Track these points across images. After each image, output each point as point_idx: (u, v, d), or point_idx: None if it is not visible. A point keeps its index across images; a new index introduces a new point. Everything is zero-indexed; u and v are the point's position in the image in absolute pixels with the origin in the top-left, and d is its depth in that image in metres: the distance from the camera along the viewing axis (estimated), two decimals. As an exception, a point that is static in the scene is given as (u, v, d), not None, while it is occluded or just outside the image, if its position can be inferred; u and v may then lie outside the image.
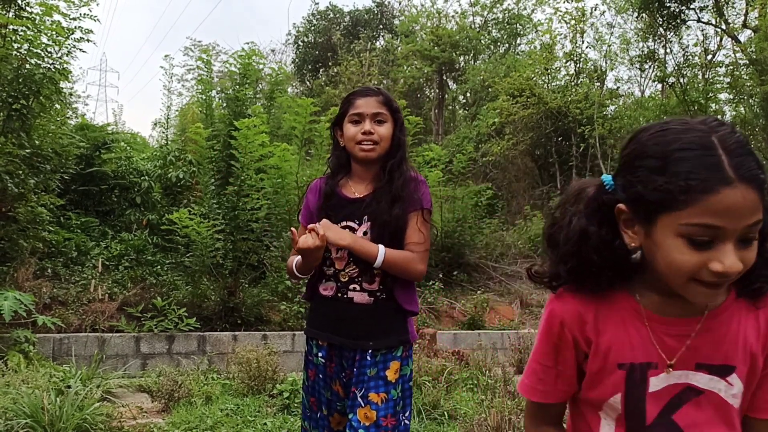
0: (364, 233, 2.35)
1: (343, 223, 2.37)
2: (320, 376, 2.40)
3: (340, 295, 2.37)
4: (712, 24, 14.72)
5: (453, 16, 23.74)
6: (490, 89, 20.15)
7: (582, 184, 1.25)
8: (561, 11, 18.68)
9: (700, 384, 1.17)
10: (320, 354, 2.39)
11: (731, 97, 14.76)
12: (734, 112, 15.03)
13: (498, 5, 23.58)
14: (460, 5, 33.23)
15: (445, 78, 23.24)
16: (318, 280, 2.46)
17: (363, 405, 2.25)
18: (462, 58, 23.24)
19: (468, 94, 23.83)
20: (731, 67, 14.57)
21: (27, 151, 7.81)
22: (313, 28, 26.11)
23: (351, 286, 2.35)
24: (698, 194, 1.02)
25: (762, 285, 1.17)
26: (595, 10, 18.28)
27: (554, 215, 1.25)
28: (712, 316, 1.18)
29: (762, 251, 1.11)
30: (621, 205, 1.15)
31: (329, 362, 2.38)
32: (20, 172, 7.62)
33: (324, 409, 2.42)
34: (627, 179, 1.14)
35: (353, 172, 2.47)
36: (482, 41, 23.37)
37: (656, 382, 1.18)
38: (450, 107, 24.80)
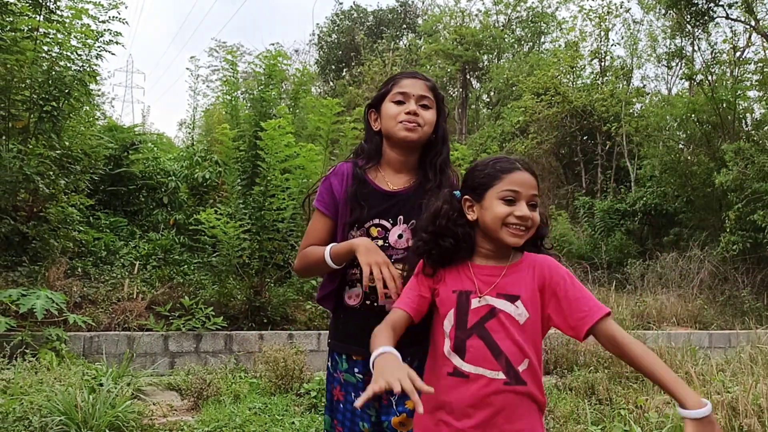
0: (399, 236, 2.14)
1: (375, 221, 2.14)
2: (358, 393, 2.13)
3: (368, 303, 2.15)
4: (741, 21, 14.49)
5: (476, 15, 23.70)
6: (514, 88, 20.07)
7: (438, 205, 1.99)
8: (585, 9, 18.55)
9: (499, 306, 1.89)
10: (357, 369, 2.16)
11: (760, 94, 14.51)
12: (764, 110, 14.77)
13: (522, 3, 23.46)
14: (483, 4, 33.18)
15: (468, 77, 23.17)
16: (341, 286, 2.22)
17: (398, 414, 2.13)
18: (486, 56, 23.15)
19: (492, 93, 23.75)
20: (761, 65, 14.32)
21: (57, 152, 7.94)
22: (336, 28, 26.20)
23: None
24: (504, 174, 1.90)
25: (533, 248, 1.99)
26: (620, 7, 18.07)
27: (435, 224, 1.97)
28: (512, 267, 1.94)
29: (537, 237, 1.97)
30: (465, 197, 1.98)
31: (366, 377, 2.12)
32: (51, 173, 7.75)
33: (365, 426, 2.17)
34: (467, 184, 1.99)
35: (387, 162, 2.22)
36: (506, 40, 23.26)
37: (475, 303, 1.91)
38: (473, 106, 24.71)
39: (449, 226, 1.94)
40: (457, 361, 1.90)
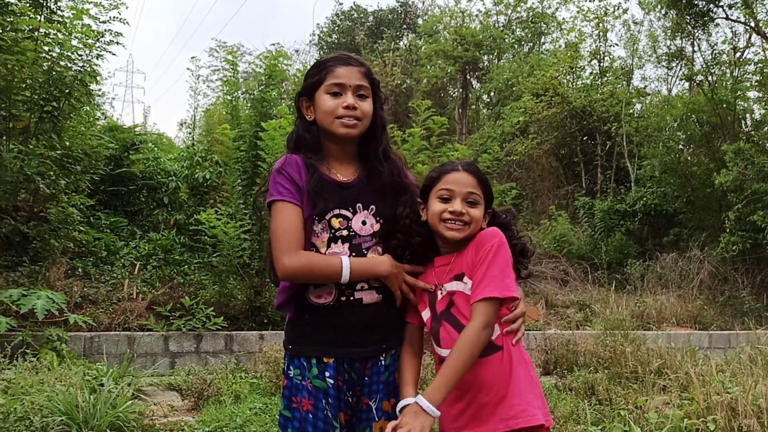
0: (363, 222, 2.10)
1: (336, 211, 2.07)
2: (329, 400, 2.01)
3: (344, 299, 2.05)
4: (740, 21, 14.50)
5: (477, 16, 23.66)
6: (514, 88, 20.05)
7: (400, 210, 2.16)
8: (584, 10, 18.54)
9: (453, 288, 2.07)
10: (328, 373, 2.02)
11: (760, 95, 14.51)
12: (763, 111, 14.77)
13: (522, 4, 23.45)
14: (483, 4, 33.14)
15: (468, 77, 23.15)
16: (305, 285, 2.08)
17: (377, 418, 2.07)
18: (486, 57, 23.13)
19: (492, 94, 23.73)
20: (761, 65, 14.32)
21: (58, 152, 7.95)
22: (336, 28, 26.19)
23: (358, 285, 2.05)
24: (443, 175, 2.11)
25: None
26: (618, 8, 18.07)
27: (401, 224, 2.14)
28: (459, 255, 2.09)
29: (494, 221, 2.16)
30: (418, 201, 2.17)
31: (337, 381, 2.03)
32: (51, 173, 7.76)
33: None
34: (421, 189, 2.18)
35: (328, 153, 2.15)
36: (506, 40, 23.24)
37: (440, 295, 2.09)
38: (473, 107, 24.70)
39: (413, 226, 2.13)
40: (438, 349, 2.09)
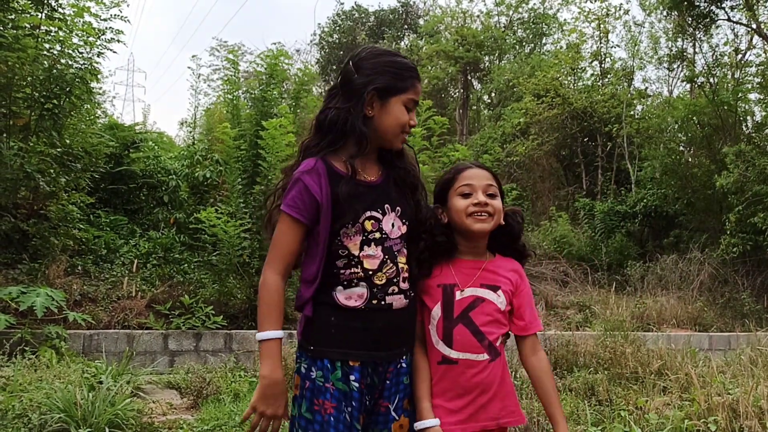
0: (392, 225, 2.07)
1: (368, 213, 2.03)
2: (352, 403, 1.97)
3: (375, 302, 2.00)
4: (742, 23, 14.49)
5: (478, 16, 23.67)
6: (515, 89, 20.04)
7: (423, 214, 2.20)
8: (585, 11, 18.54)
9: (483, 295, 2.13)
10: (353, 377, 1.98)
11: (761, 97, 14.50)
12: (764, 113, 14.75)
13: (523, 5, 23.46)
14: (485, 5, 33.15)
15: (469, 78, 23.16)
16: (332, 285, 2.02)
17: (397, 418, 2.06)
18: (487, 58, 23.13)
19: (492, 94, 23.73)
20: (762, 67, 14.31)
21: (58, 150, 7.94)
22: (338, 28, 26.20)
23: (390, 289, 2.02)
24: (458, 173, 2.20)
25: (509, 251, 2.27)
26: (620, 9, 18.08)
27: (427, 224, 2.18)
28: (491, 263, 2.20)
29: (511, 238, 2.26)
30: (436, 206, 2.22)
31: (362, 385, 2.00)
32: (52, 170, 7.76)
33: None
34: (435, 196, 2.28)
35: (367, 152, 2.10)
36: (507, 41, 23.24)
37: (459, 295, 2.13)
38: (474, 107, 24.70)
39: (438, 225, 2.18)
40: (444, 349, 2.11)
